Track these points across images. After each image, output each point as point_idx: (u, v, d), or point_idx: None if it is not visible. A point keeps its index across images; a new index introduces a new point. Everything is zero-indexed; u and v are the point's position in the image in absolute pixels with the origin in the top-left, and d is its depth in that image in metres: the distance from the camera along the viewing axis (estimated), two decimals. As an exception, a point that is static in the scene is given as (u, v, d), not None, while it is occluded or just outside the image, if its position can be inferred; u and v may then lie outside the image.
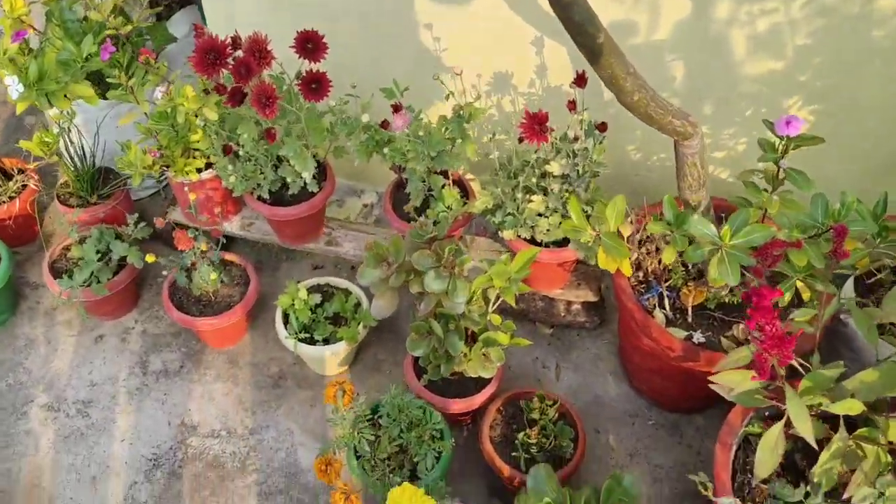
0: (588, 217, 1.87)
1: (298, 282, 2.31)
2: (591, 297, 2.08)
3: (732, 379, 1.33)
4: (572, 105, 1.78)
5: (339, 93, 1.85)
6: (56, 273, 2.08)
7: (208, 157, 2.01)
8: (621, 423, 1.99)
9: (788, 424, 1.39)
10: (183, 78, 1.98)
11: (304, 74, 1.67)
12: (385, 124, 1.75)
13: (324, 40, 1.67)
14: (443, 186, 1.96)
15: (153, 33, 2.18)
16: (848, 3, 1.67)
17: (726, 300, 1.75)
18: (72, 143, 2.13)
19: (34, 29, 2.22)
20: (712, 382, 1.43)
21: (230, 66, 1.62)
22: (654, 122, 1.34)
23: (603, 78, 1.26)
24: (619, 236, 1.56)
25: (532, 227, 1.88)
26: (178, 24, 2.50)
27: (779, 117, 1.45)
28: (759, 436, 1.54)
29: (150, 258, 1.84)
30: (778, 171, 1.45)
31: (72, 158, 2.15)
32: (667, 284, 1.78)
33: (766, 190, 1.49)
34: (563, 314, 2.12)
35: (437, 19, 1.96)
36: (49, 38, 2.17)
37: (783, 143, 1.42)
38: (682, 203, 1.55)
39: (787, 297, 1.48)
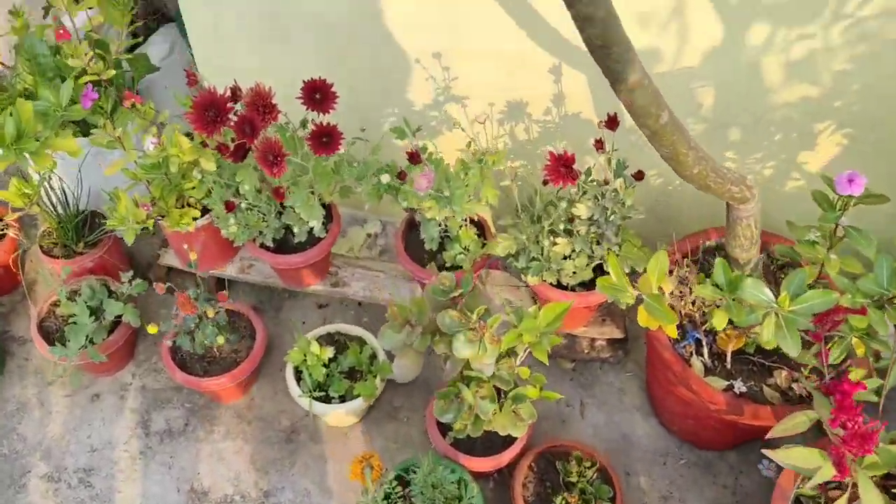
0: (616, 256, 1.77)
1: (304, 322, 2.20)
2: (617, 334, 1.99)
3: (800, 457, 1.25)
4: (599, 144, 1.66)
5: (345, 129, 1.71)
6: (45, 333, 1.94)
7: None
8: (652, 463, 1.92)
9: (853, 495, 1.32)
10: (172, 119, 1.83)
11: (314, 127, 1.53)
12: (402, 175, 1.62)
13: (332, 89, 1.53)
14: (459, 227, 1.84)
15: (134, 65, 2.00)
16: (890, 27, 1.57)
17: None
18: (52, 189, 1.97)
19: (3, 64, 2.05)
20: (769, 446, 1.36)
21: (232, 124, 1.47)
22: (711, 191, 1.23)
23: (663, 154, 1.15)
24: (661, 293, 1.46)
25: (558, 270, 1.78)
26: (158, 45, 2.32)
27: (836, 171, 1.34)
28: (813, 498, 1.48)
29: (151, 329, 1.70)
30: (835, 228, 1.35)
31: (53, 206, 1.99)
32: (703, 328, 1.70)
33: (815, 243, 1.39)
34: (586, 350, 2.03)
35: (448, 49, 1.82)
36: (19, 73, 1.99)
37: (843, 200, 1.32)
38: (732, 260, 1.45)
39: (841, 356, 1.40)
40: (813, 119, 1.76)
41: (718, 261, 1.32)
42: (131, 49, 2.19)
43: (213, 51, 1.92)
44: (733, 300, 1.32)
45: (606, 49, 0.91)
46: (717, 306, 1.34)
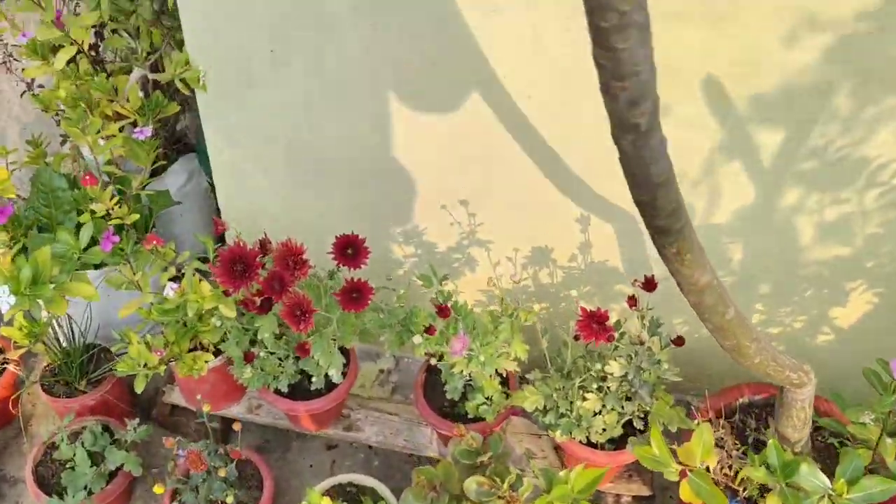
0: (646, 415, 1.71)
1: (311, 465, 2.11)
2: (645, 492, 1.89)
3: None
4: (632, 301, 1.63)
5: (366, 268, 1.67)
6: (40, 478, 1.82)
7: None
8: None
9: None
10: (191, 258, 1.78)
11: (345, 283, 1.48)
12: (431, 330, 1.57)
13: (365, 244, 1.50)
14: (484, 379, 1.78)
15: (154, 201, 1.98)
16: (921, 195, 1.57)
17: (808, 515, 1.58)
18: (60, 326, 1.90)
19: (18, 196, 2.01)
20: None
21: (261, 280, 1.43)
22: (770, 378, 1.19)
23: (725, 346, 1.11)
24: (707, 471, 1.38)
25: (587, 427, 1.70)
26: (176, 175, 2.30)
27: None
28: None
29: (157, 490, 1.60)
30: (889, 413, 1.30)
31: (59, 342, 1.91)
32: (744, 495, 1.61)
33: (867, 423, 1.34)
34: (611, 507, 1.93)
35: (474, 196, 1.81)
36: (35, 206, 1.96)
37: (900, 384, 1.28)
38: (781, 438, 1.39)
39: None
40: (845, 278, 1.74)
41: (771, 443, 1.26)
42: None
43: (236, 191, 1.90)
44: (789, 487, 1.25)
45: (680, 256, 0.89)
46: (768, 489, 1.27)
